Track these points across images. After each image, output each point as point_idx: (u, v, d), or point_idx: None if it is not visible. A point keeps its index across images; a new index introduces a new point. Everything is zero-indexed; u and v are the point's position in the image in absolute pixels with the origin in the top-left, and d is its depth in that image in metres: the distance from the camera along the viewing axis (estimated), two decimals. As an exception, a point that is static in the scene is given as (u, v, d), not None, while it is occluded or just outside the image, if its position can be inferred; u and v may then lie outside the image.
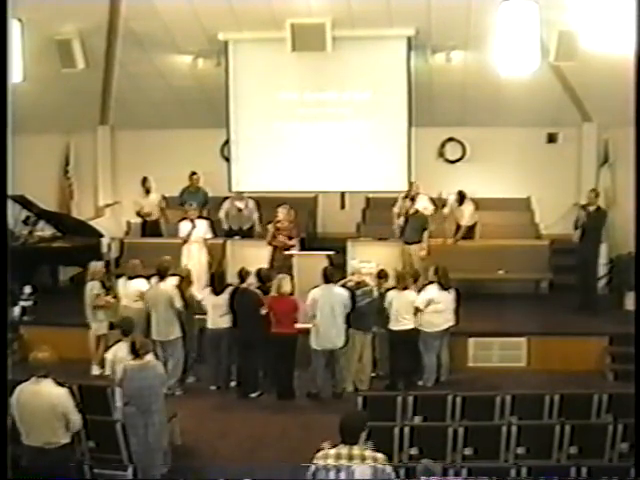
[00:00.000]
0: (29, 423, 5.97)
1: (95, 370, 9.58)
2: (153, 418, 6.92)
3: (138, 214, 13.09)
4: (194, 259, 11.35)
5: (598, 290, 11.55)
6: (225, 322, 9.43)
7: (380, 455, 5.06)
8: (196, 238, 11.51)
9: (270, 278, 9.62)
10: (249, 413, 8.85)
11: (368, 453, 5.01)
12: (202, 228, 11.62)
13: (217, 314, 9.45)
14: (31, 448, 6.00)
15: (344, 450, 4.98)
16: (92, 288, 9.81)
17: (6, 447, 5.90)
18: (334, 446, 5.07)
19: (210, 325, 9.53)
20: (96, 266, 10.11)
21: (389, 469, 5.03)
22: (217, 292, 9.51)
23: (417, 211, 11.52)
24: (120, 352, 7.45)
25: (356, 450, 4.97)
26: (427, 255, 11.21)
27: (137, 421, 6.88)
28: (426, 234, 11.36)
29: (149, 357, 7.07)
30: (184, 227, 11.64)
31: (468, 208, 12.20)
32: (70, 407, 6.03)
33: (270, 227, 11.44)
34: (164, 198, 13.21)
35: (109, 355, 7.65)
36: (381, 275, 9.85)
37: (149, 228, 13.08)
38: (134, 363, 6.97)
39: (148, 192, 13.02)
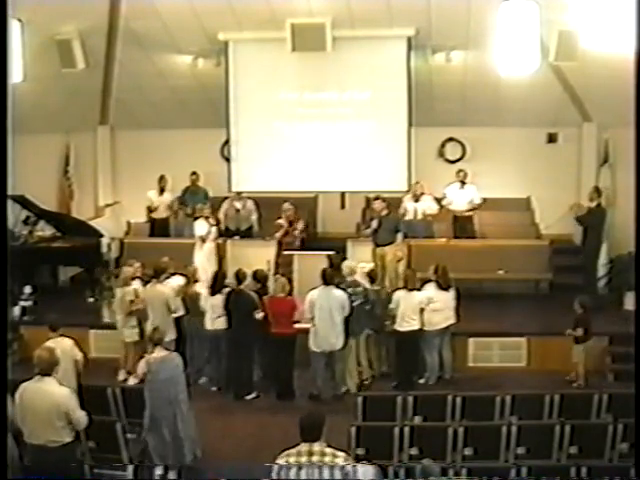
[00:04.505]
0: (32, 421, 5.98)
1: (122, 375, 9.57)
2: (181, 407, 7.08)
3: (149, 209, 13.08)
4: (207, 259, 11.40)
5: (598, 290, 11.57)
6: (222, 323, 9.38)
7: (341, 453, 5.12)
8: (212, 238, 11.63)
9: (267, 279, 9.61)
10: (249, 413, 8.86)
11: (328, 450, 5.07)
12: (214, 228, 11.71)
13: (214, 315, 9.40)
14: (33, 447, 6.00)
15: (304, 447, 5.05)
16: (125, 294, 9.57)
17: (6, 447, 5.91)
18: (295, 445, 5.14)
19: (208, 326, 9.48)
20: (128, 271, 9.83)
21: (349, 467, 5.06)
22: (214, 292, 9.47)
23: (390, 212, 11.50)
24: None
25: (316, 447, 5.04)
26: (402, 257, 11.20)
27: (167, 412, 6.98)
28: (400, 235, 11.35)
29: (165, 351, 7.19)
30: (200, 226, 11.65)
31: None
32: (73, 406, 6.04)
33: (283, 222, 11.41)
34: (178, 199, 13.22)
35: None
36: (371, 275, 9.86)
37: (158, 227, 13.06)
38: (156, 356, 7.11)
39: (163, 191, 13.02)
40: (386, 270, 11.02)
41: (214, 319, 9.41)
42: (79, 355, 7.74)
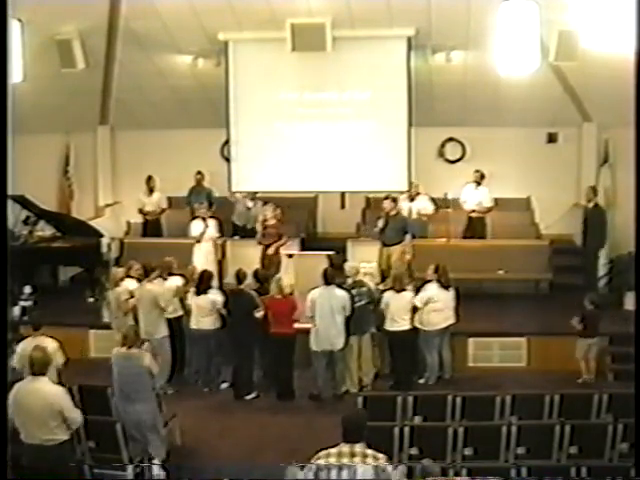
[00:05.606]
0: (26, 421, 6.00)
1: None
2: (136, 407, 7.11)
3: (140, 211, 13.15)
4: (205, 259, 11.40)
5: (598, 290, 11.58)
6: (209, 323, 9.37)
7: (381, 455, 5.05)
8: (208, 238, 11.60)
9: (267, 279, 9.61)
10: (249, 413, 8.85)
11: (370, 452, 5.00)
12: (213, 228, 11.68)
13: (200, 314, 9.39)
14: (30, 446, 6.01)
15: (345, 448, 4.97)
16: (121, 294, 9.57)
17: (6, 447, 5.91)
18: (335, 445, 5.07)
19: (193, 325, 9.46)
20: (118, 272, 9.90)
21: (390, 469, 5.02)
22: (199, 292, 9.43)
23: (398, 212, 11.52)
24: (29, 347, 7.28)
25: (358, 448, 4.97)
26: (412, 257, 11.20)
27: (127, 408, 7.13)
28: (408, 236, 11.35)
29: (135, 349, 7.24)
30: (196, 226, 11.67)
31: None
32: (66, 405, 6.06)
33: (258, 226, 11.48)
34: (168, 198, 13.26)
35: (18, 349, 7.68)
36: (384, 274, 9.88)
37: (150, 228, 13.12)
38: (121, 351, 7.26)
39: (152, 191, 13.07)
40: (391, 270, 11.00)
41: (199, 319, 9.39)
42: (61, 360, 7.74)
